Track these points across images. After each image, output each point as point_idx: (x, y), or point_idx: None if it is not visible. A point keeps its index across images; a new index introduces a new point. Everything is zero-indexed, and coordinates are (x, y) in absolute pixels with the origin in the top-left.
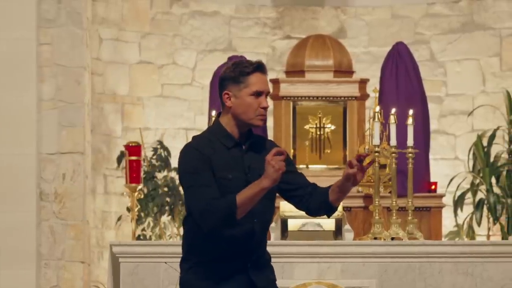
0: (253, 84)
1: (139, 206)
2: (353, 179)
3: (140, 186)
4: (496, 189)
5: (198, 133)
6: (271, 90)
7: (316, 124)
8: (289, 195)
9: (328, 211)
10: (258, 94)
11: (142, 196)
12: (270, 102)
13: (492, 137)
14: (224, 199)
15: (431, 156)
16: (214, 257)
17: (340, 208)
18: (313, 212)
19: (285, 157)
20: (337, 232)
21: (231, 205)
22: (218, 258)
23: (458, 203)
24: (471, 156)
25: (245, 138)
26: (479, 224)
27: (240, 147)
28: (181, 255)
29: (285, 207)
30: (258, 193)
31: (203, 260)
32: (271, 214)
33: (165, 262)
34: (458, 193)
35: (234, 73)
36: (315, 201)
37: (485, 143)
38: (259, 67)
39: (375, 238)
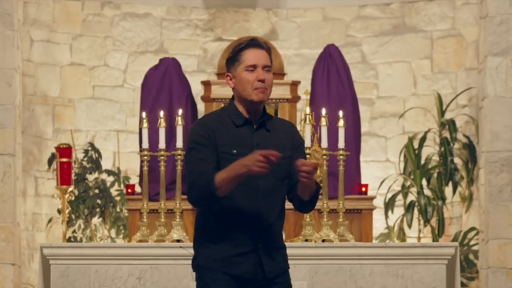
0: (246, 59)
1: (70, 208)
2: (304, 181)
3: (71, 188)
4: (427, 191)
5: (129, 135)
6: (268, 63)
7: None
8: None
9: (297, 205)
10: (252, 67)
11: (73, 198)
12: (201, 104)
13: (423, 139)
14: (205, 176)
15: (362, 158)
16: (225, 237)
17: None
18: (295, 204)
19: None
20: None
21: (209, 183)
22: (228, 238)
23: (389, 205)
24: (402, 158)
25: (259, 117)
26: (410, 226)
27: (251, 125)
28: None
29: None
30: (234, 177)
31: (215, 241)
32: (280, 194)
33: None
34: (389, 195)
35: (232, 53)
36: (294, 193)
37: (416, 145)
38: (251, 42)
39: (306, 240)
